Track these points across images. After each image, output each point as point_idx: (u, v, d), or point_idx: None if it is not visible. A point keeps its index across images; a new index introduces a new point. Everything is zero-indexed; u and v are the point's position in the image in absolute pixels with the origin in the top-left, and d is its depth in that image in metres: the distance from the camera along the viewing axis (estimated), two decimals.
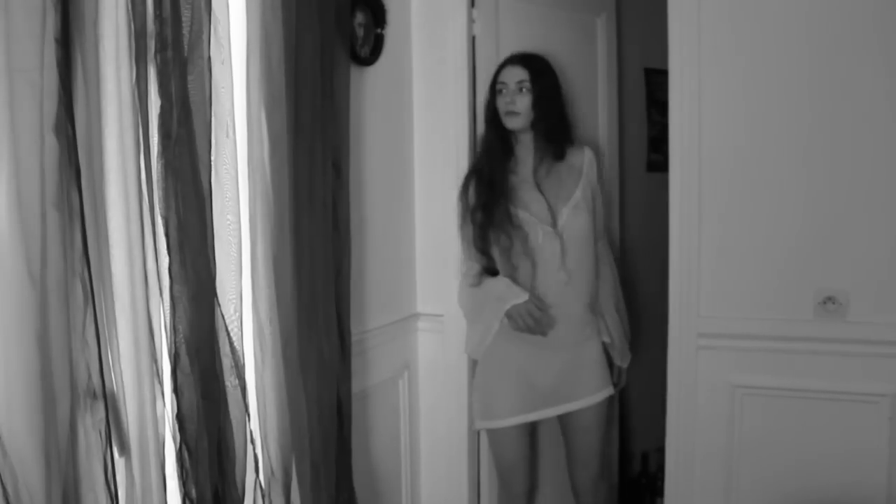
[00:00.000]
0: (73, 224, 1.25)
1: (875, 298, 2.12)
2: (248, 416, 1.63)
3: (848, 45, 2.11)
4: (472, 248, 2.30)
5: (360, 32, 2.18)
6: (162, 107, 1.44)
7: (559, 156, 2.29)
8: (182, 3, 1.46)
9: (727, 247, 2.27)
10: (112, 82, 1.35)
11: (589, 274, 2.32)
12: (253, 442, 1.66)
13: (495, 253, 2.27)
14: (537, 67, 2.24)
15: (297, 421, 1.74)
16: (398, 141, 2.46)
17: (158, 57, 1.43)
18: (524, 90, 2.22)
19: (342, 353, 1.93)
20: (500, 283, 2.26)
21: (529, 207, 2.25)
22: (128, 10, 1.37)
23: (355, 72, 2.11)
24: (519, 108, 2.22)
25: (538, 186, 2.27)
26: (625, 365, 2.49)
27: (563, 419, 2.39)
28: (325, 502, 1.83)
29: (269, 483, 1.70)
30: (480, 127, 2.39)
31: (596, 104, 2.89)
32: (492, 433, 2.35)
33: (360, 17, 2.17)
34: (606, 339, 2.40)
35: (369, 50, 2.23)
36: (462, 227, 2.34)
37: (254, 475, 1.67)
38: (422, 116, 2.50)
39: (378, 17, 2.25)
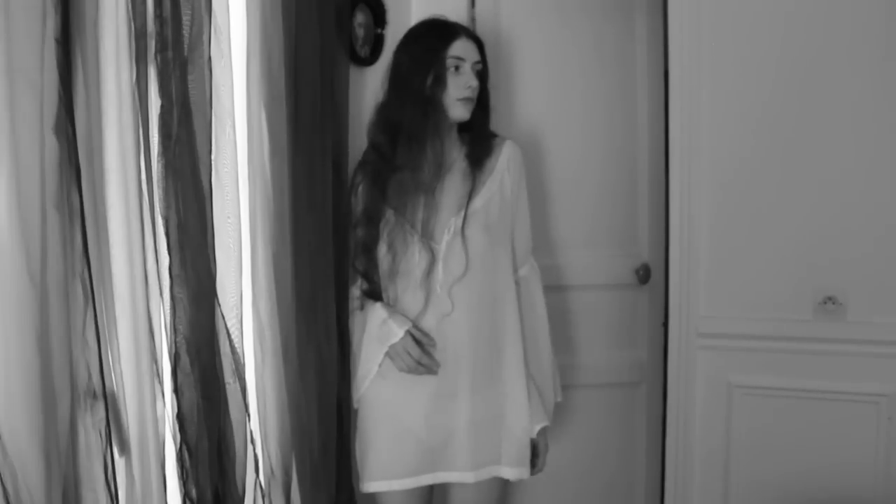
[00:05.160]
0: (73, 224, 1.25)
1: (875, 298, 2.12)
2: (248, 416, 1.63)
3: (847, 46, 2.11)
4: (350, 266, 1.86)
5: (360, 32, 2.18)
6: (162, 107, 1.44)
7: (486, 152, 1.85)
8: (182, 3, 1.45)
9: (727, 247, 2.27)
10: (112, 82, 1.35)
11: (488, 304, 1.81)
12: (253, 442, 1.65)
13: (383, 276, 1.84)
14: (481, 43, 1.84)
15: (297, 421, 1.74)
16: None
17: (158, 57, 1.43)
18: (475, 72, 1.79)
19: (342, 353, 1.92)
20: (377, 315, 1.81)
21: (431, 218, 1.79)
22: (128, 10, 1.37)
23: (355, 72, 2.11)
24: (475, 94, 1.79)
25: (442, 192, 1.81)
26: (534, 433, 1.83)
27: (451, 491, 1.88)
28: (324, 502, 1.83)
29: (269, 483, 1.70)
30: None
31: (634, 107, 2.60)
32: (378, 497, 1.86)
33: (360, 17, 2.16)
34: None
35: (369, 50, 2.23)
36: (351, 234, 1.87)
37: (254, 475, 1.66)
38: None
39: (378, 17, 2.25)
